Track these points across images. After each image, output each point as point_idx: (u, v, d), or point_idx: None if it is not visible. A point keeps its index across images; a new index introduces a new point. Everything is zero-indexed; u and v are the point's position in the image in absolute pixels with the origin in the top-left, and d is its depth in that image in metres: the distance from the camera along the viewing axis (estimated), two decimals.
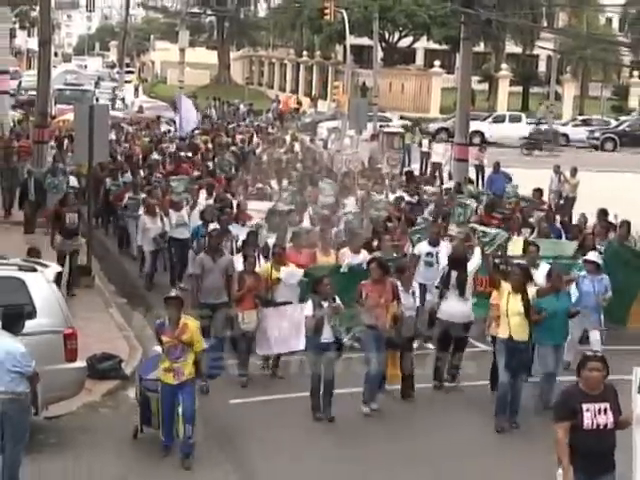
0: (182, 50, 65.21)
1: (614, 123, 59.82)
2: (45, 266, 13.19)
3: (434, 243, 16.85)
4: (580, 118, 63.62)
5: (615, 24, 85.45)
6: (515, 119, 57.50)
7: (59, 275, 13.55)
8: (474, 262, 15.17)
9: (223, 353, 14.09)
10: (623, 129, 57.81)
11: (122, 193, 23.77)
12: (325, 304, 13.16)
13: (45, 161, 28.12)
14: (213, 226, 18.22)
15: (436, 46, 79.14)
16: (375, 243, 17.76)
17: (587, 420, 8.72)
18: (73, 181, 27.99)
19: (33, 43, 70.95)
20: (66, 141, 31.89)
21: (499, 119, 57.56)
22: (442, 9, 65.25)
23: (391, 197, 22.79)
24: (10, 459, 10.25)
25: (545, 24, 71.42)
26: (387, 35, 78.57)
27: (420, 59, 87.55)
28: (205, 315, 14.22)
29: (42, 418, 11.92)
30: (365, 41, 69.92)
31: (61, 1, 72.66)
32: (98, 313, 17.60)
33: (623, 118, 62.43)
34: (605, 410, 8.78)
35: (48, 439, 11.96)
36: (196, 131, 38.63)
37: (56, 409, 12.51)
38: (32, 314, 12.03)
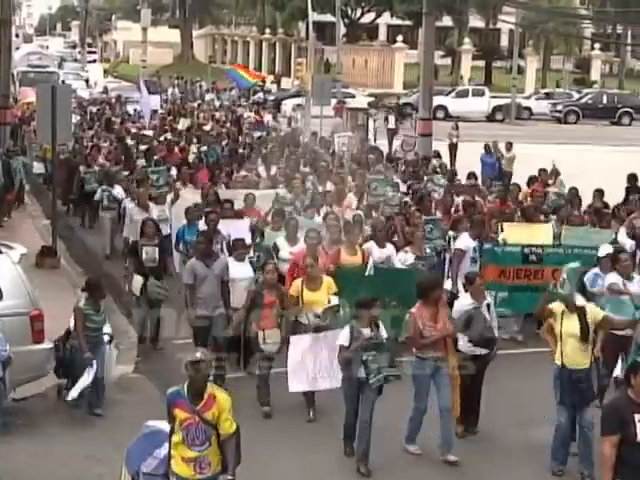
0: (144, 29, 64.81)
1: (576, 96, 60.18)
2: (10, 247, 13.18)
3: (479, 236, 15.58)
4: (543, 91, 63.97)
5: None
6: (478, 93, 57.68)
7: (23, 256, 13.50)
8: None
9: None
10: (585, 102, 58.15)
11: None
12: (366, 331, 10.99)
13: (6, 144, 27.24)
14: (202, 226, 16.20)
15: (399, 21, 79.25)
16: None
17: None
18: (39, 167, 27.59)
19: None
20: (24, 126, 31.51)
21: (462, 93, 57.70)
22: None
23: (402, 187, 20.87)
24: None
25: None
26: (350, 11, 78.48)
27: (383, 35, 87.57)
28: (202, 325, 13.14)
29: (10, 400, 11.91)
30: (328, 17, 69.73)
31: None
32: (64, 293, 17.49)
33: (585, 91, 62.82)
34: None
35: (16, 421, 11.92)
36: (160, 110, 38.44)
37: (24, 390, 12.52)
38: None
